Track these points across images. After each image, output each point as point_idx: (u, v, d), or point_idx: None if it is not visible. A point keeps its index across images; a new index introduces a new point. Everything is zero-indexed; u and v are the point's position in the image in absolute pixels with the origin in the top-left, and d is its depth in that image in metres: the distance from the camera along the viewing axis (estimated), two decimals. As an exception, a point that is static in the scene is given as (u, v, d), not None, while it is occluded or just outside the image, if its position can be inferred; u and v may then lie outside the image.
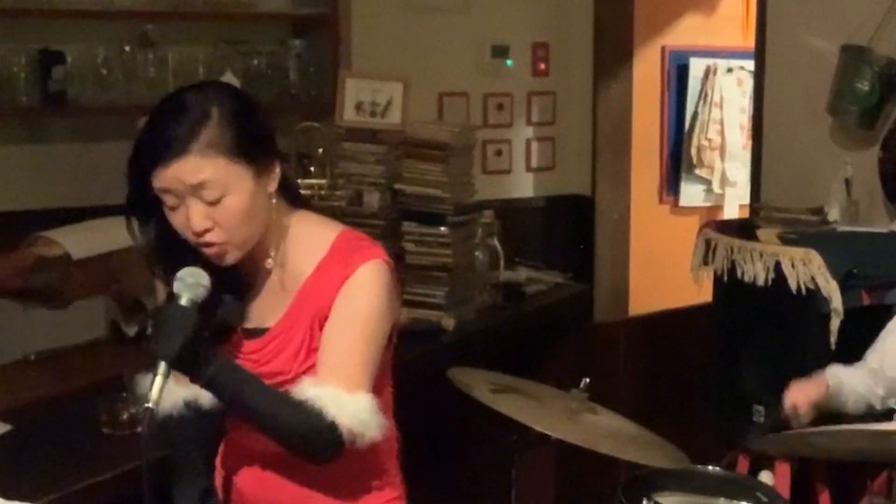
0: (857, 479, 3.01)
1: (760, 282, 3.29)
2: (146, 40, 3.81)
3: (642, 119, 4.94)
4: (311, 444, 1.87)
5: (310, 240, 1.96)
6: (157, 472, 2.37)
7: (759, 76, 4.10)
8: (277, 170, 1.91)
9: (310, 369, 1.90)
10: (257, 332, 1.96)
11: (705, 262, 3.54)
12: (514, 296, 3.84)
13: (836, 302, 3.14)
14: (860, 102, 3.58)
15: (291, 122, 3.74)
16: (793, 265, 3.21)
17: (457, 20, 4.49)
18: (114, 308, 3.08)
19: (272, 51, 4.06)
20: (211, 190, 1.81)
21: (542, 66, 4.72)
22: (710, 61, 5.16)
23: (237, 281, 1.94)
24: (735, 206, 5.17)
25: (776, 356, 3.33)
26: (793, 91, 3.93)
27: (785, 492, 3.06)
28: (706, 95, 5.18)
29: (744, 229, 3.59)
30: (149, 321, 3.07)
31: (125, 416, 2.47)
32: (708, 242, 3.53)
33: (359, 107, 3.57)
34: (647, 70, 4.96)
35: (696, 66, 5.16)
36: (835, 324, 3.15)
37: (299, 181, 3.38)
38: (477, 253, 3.70)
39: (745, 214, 4.36)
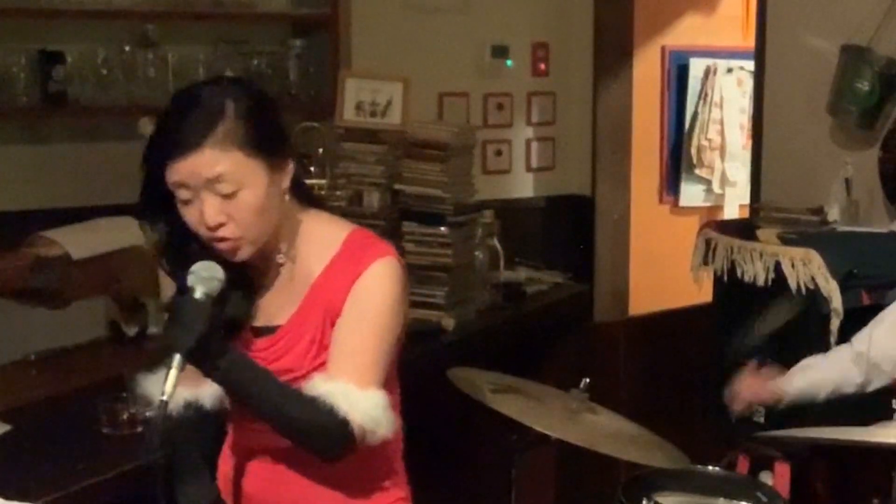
0: (858, 479, 3.01)
1: (760, 282, 3.29)
2: (146, 40, 3.81)
3: (642, 119, 4.94)
4: (323, 440, 1.87)
5: (321, 238, 1.96)
6: (159, 472, 2.38)
7: (759, 76, 4.10)
8: (291, 166, 1.91)
9: (320, 367, 1.90)
10: (267, 330, 1.95)
11: (705, 262, 3.54)
12: (514, 296, 3.84)
13: (836, 302, 3.14)
14: (860, 102, 3.58)
15: (291, 122, 3.73)
16: (793, 265, 3.21)
17: (457, 20, 4.49)
18: (114, 308, 3.08)
19: (272, 51, 4.06)
20: (226, 184, 1.81)
21: (542, 66, 4.72)
22: (710, 61, 5.16)
23: (247, 278, 1.93)
24: (735, 206, 5.17)
25: (776, 356, 3.32)
26: (793, 91, 3.93)
27: (785, 492, 3.06)
28: (706, 95, 5.18)
29: (744, 229, 3.59)
30: (147, 320, 3.10)
31: (125, 416, 2.47)
32: (708, 242, 3.53)
33: (359, 107, 3.57)
34: (647, 70, 4.96)
35: (696, 66, 5.16)
36: (835, 324, 3.15)
37: (299, 181, 3.38)
38: (477, 253, 3.71)
39: (745, 214, 4.36)
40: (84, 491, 2.23)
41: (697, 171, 5.20)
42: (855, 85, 3.57)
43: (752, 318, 3.40)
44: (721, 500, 2.55)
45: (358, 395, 1.86)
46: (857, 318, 3.14)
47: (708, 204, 5.26)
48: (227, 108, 1.81)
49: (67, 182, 3.80)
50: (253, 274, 1.95)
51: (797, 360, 3.23)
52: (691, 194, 5.22)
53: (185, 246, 1.88)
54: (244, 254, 1.87)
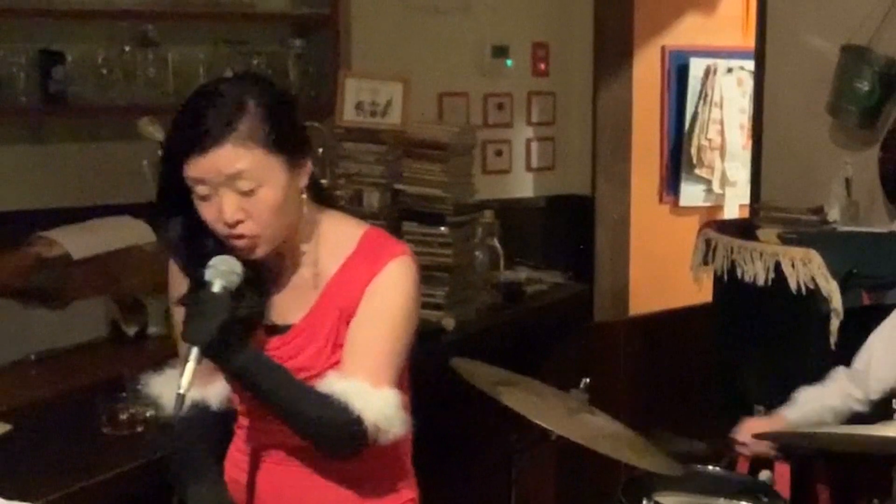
0: (858, 479, 3.01)
1: (760, 282, 3.29)
2: (146, 40, 3.81)
3: (642, 119, 4.94)
4: (335, 437, 1.87)
5: (336, 237, 1.96)
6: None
7: (759, 76, 4.10)
8: (309, 165, 1.91)
9: (334, 365, 1.90)
10: (280, 329, 1.95)
11: (705, 262, 3.54)
12: (514, 296, 3.84)
13: (836, 302, 3.14)
14: (860, 102, 3.58)
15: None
16: (793, 265, 3.21)
17: (457, 20, 4.49)
18: (114, 308, 3.08)
19: (272, 51, 4.06)
20: (246, 181, 1.80)
21: (542, 66, 4.72)
22: (710, 61, 5.16)
23: (261, 277, 1.92)
24: (735, 206, 5.18)
25: (776, 356, 3.33)
26: (793, 91, 3.93)
27: (785, 492, 3.06)
28: (706, 95, 5.18)
29: (744, 229, 3.59)
30: (147, 320, 3.09)
31: (125, 416, 2.47)
32: (708, 242, 3.53)
33: (359, 107, 3.57)
34: (647, 70, 4.97)
35: (696, 66, 5.17)
36: (835, 324, 3.15)
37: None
38: (477, 253, 3.70)
39: (745, 214, 4.36)
40: (84, 491, 2.23)
41: (697, 171, 5.20)
42: (855, 85, 3.57)
43: (751, 319, 3.41)
44: (721, 500, 2.55)
45: (372, 394, 1.86)
46: (857, 318, 3.15)
47: (708, 204, 5.26)
48: (249, 105, 1.81)
49: (67, 182, 3.80)
50: (267, 272, 1.94)
51: (798, 361, 3.25)
52: (691, 194, 5.23)
53: (200, 242, 1.87)
54: (260, 251, 1.87)
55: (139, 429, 2.48)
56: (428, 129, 3.60)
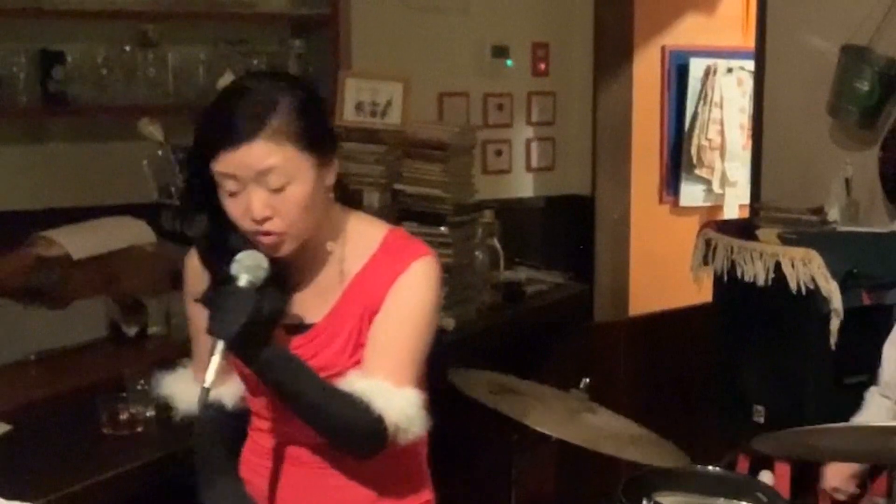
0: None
1: (760, 282, 3.29)
2: (146, 40, 3.80)
3: (642, 119, 4.94)
4: (355, 436, 1.86)
5: (359, 237, 1.96)
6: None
7: (759, 76, 4.10)
8: (336, 164, 1.91)
9: (355, 365, 1.90)
10: (302, 328, 1.94)
11: (705, 262, 3.54)
12: (514, 296, 3.84)
13: (836, 302, 3.14)
14: (860, 102, 3.58)
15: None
16: (793, 265, 3.21)
17: (457, 20, 4.49)
18: (114, 308, 3.08)
19: (272, 51, 4.06)
20: (276, 177, 1.80)
21: (542, 66, 4.72)
22: (710, 61, 5.16)
23: (283, 275, 1.91)
24: (735, 206, 5.17)
25: (776, 356, 3.33)
26: (793, 91, 3.93)
27: (785, 492, 3.06)
28: (706, 95, 5.18)
29: (744, 229, 3.59)
30: (147, 320, 3.09)
31: (125, 416, 2.47)
32: (708, 242, 3.53)
33: (359, 107, 3.57)
34: (647, 70, 4.97)
35: (696, 66, 5.16)
36: (835, 324, 3.15)
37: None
38: (477, 253, 3.70)
39: (745, 214, 4.36)
40: (84, 491, 2.23)
41: (697, 171, 5.20)
42: (855, 85, 3.57)
43: (751, 319, 3.41)
44: (721, 500, 2.55)
45: (394, 393, 1.85)
46: (857, 318, 3.15)
47: (708, 204, 5.26)
48: (280, 102, 1.81)
49: (67, 182, 3.80)
50: (289, 271, 1.93)
51: (798, 361, 3.25)
52: (691, 194, 5.23)
53: (224, 239, 1.87)
54: (286, 249, 1.86)
55: (139, 429, 2.48)
56: (428, 129, 3.60)
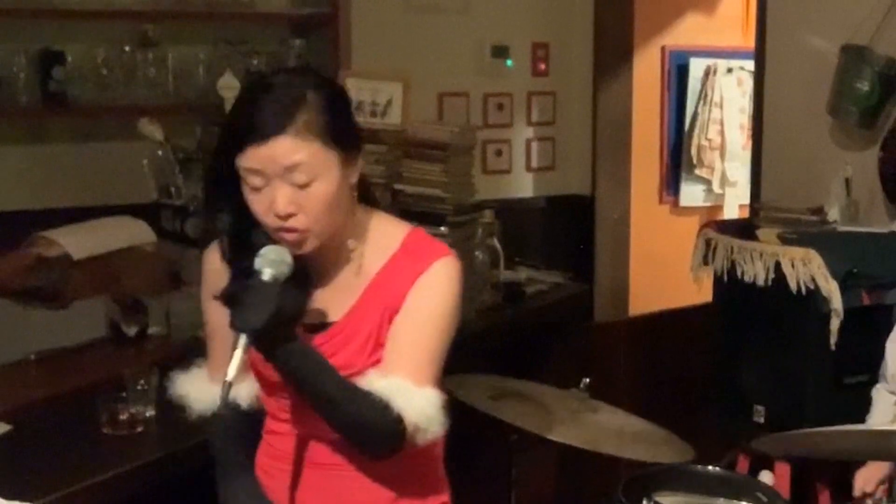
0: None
1: (760, 282, 3.29)
2: (146, 40, 3.80)
3: (642, 119, 4.94)
4: (374, 435, 1.85)
5: (380, 236, 1.95)
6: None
7: (759, 76, 4.10)
8: (360, 162, 1.90)
9: (374, 364, 1.89)
10: (322, 327, 1.93)
11: (705, 262, 3.54)
12: (514, 296, 3.84)
13: (836, 302, 3.15)
14: (860, 102, 3.58)
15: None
16: (793, 265, 3.22)
17: (457, 20, 4.49)
18: (114, 308, 3.08)
19: (272, 51, 4.06)
20: (302, 173, 1.79)
21: (542, 66, 4.72)
22: (710, 61, 5.16)
23: (304, 273, 1.90)
24: (735, 206, 5.17)
25: (776, 356, 3.33)
26: (793, 91, 3.93)
27: (785, 492, 3.06)
28: (706, 95, 5.18)
29: (744, 229, 3.59)
30: (147, 320, 3.09)
31: (125, 416, 2.47)
32: (708, 242, 3.53)
33: (359, 107, 3.57)
34: (647, 70, 4.96)
35: (696, 66, 5.16)
36: (835, 324, 3.15)
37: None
38: (477, 253, 3.70)
39: (745, 214, 4.36)
40: (84, 491, 2.23)
41: (697, 171, 5.20)
42: (855, 85, 3.57)
43: (751, 319, 3.41)
44: (721, 500, 2.55)
45: (414, 393, 1.84)
46: (857, 318, 3.15)
47: (708, 204, 5.26)
48: (308, 98, 1.80)
49: (67, 182, 3.80)
50: (310, 269, 1.92)
51: (798, 361, 3.25)
52: (691, 194, 5.23)
53: (247, 235, 1.86)
54: (309, 247, 1.85)
55: (139, 429, 2.48)
56: (428, 129, 3.60)
